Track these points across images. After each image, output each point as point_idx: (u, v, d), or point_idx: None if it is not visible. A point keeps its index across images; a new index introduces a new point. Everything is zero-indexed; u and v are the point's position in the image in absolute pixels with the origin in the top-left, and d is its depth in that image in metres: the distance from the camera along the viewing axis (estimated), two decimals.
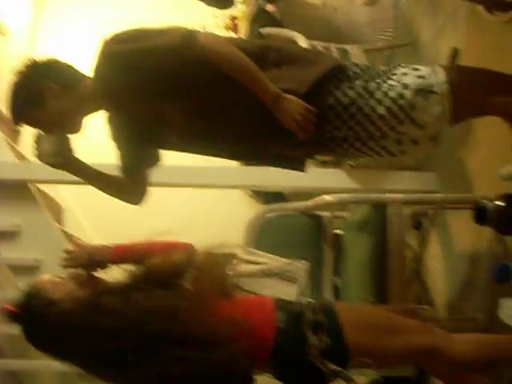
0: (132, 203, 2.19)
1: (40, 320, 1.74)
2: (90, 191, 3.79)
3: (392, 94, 1.81)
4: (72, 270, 1.91)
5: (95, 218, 4.32)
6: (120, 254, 1.91)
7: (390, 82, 1.82)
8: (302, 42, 3.24)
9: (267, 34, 3.57)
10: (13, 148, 3.57)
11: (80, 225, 4.28)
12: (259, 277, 2.54)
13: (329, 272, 2.65)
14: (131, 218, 4.28)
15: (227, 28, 4.45)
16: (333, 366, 1.59)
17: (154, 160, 2.10)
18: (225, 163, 3.60)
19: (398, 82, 1.82)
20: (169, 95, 1.82)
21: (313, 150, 2.00)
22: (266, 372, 1.81)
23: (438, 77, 1.83)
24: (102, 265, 1.91)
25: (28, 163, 3.61)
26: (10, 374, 3.39)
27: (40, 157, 1.90)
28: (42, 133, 1.91)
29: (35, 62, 1.90)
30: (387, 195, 2.55)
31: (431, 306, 2.68)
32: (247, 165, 3.70)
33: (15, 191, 3.28)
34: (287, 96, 1.77)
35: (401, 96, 1.81)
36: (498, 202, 1.31)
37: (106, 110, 1.95)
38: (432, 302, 2.69)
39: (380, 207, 2.53)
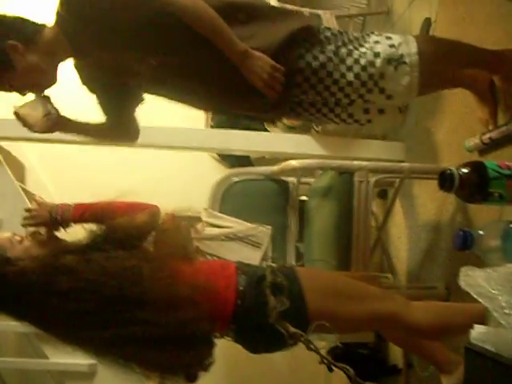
0: (127, 142, 2.19)
1: None
2: (53, 150, 3.75)
3: (362, 61, 1.80)
4: (32, 229, 1.88)
5: (58, 178, 4.24)
6: (81, 213, 1.86)
7: (361, 49, 1.81)
8: (274, 1, 3.19)
9: None
10: None
11: (42, 184, 4.20)
12: (223, 240, 2.53)
13: (293, 237, 2.65)
14: (95, 178, 4.23)
15: None
16: (292, 329, 1.59)
17: (136, 101, 2.06)
18: (192, 125, 3.59)
19: (370, 49, 1.81)
20: (133, 45, 1.77)
21: (279, 113, 1.97)
22: (227, 336, 1.81)
23: (409, 47, 1.82)
24: (63, 224, 1.88)
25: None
26: None
27: (33, 127, 1.84)
28: (19, 104, 1.84)
29: None
30: (354, 162, 2.54)
31: (393, 273, 2.71)
32: (213, 127, 3.68)
33: None
34: (255, 53, 1.74)
35: (371, 64, 1.80)
36: (462, 169, 1.31)
37: (74, 56, 1.88)
38: (394, 270, 2.71)
39: (346, 175, 2.53)
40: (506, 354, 1.11)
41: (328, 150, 3.00)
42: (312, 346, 1.51)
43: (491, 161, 1.34)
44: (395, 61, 1.81)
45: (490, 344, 1.17)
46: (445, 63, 1.94)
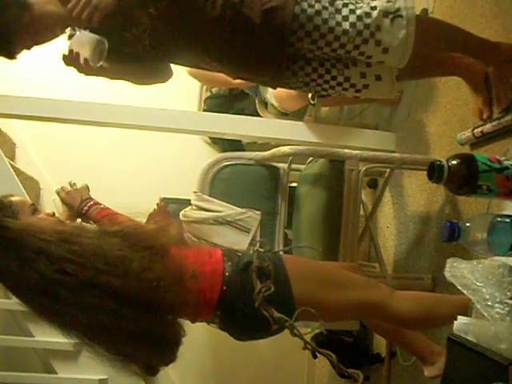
0: (163, 82, 2.18)
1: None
2: (45, 128, 3.73)
3: (358, 11, 1.80)
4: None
5: (48, 156, 4.22)
6: (102, 216, 2.02)
7: (358, 4, 1.82)
8: None
9: None
10: None
11: (32, 162, 4.18)
12: (212, 224, 2.53)
13: (281, 223, 2.65)
14: (86, 158, 4.22)
15: None
16: (277, 314, 1.59)
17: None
18: (184, 108, 3.57)
19: (367, 4, 1.81)
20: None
21: (276, 68, 1.95)
22: (212, 323, 1.81)
23: (406, 2, 1.83)
24: (84, 217, 2.05)
25: None
26: None
27: (85, 66, 1.75)
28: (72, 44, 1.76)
29: None
30: (345, 151, 2.54)
31: (380, 263, 2.71)
32: (207, 111, 3.66)
33: None
34: None
35: (367, 15, 1.80)
36: (452, 161, 1.31)
37: None
38: (381, 259, 2.72)
39: (337, 163, 2.53)
40: (488, 346, 1.12)
41: (320, 138, 3.00)
42: (296, 332, 1.51)
43: (482, 154, 1.35)
44: (391, 13, 1.81)
45: (472, 335, 1.18)
46: (440, 37, 1.94)
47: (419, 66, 2.08)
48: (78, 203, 2.14)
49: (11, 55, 1.82)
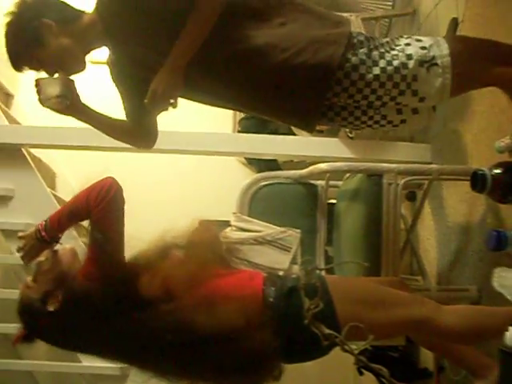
0: (142, 147, 2.17)
1: (42, 327, 1.78)
2: (82, 157, 3.80)
3: (395, 63, 1.79)
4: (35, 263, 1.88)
5: (86, 184, 4.29)
6: (57, 221, 1.85)
7: (393, 52, 1.81)
8: None
9: None
10: (5, 112, 3.53)
11: (72, 190, 4.25)
12: (252, 244, 2.54)
13: (322, 241, 2.65)
14: (124, 184, 4.27)
15: None
16: (327, 330, 1.59)
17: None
18: (219, 130, 3.61)
19: (402, 51, 1.80)
20: (172, 37, 1.78)
21: (311, 117, 1.95)
22: None
23: (440, 49, 1.81)
24: (53, 239, 1.86)
25: (22, 128, 3.58)
26: None
27: (44, 101, 1.84)
28: (45, 76, 1.85)
29: (26, 1, 1.85)
30: (382, 165, 2.53)
31: (423, 276, 2.68)
32: (242, 132, 3.69)
33: (9, 156, 3.26)
34: (178, 74, 1.77)
35: (404, 66, 1.79)
36: (494, 170, 1.30)
37: (108, 46, 1.91)
38: (424, 272, 2.69)
39: (375, 177, 2.52)
40: None
41: (356, 153, 3.00)
42: (347, 348, 1.51)
43: None
44: (427, 62, 1.80)
45: None
46: (477, 62, 1.92)
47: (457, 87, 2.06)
48: (36, 243, 1.87)
49: (16, 68, 1.89)
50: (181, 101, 2.09)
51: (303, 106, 1.85)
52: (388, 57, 1.80)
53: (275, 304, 1.74)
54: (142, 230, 4.04)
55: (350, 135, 2.92)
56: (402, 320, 1.81)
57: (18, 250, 1.88)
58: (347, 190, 2.65)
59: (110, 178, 1.84)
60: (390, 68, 1.79)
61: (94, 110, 1.99)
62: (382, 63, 1.79)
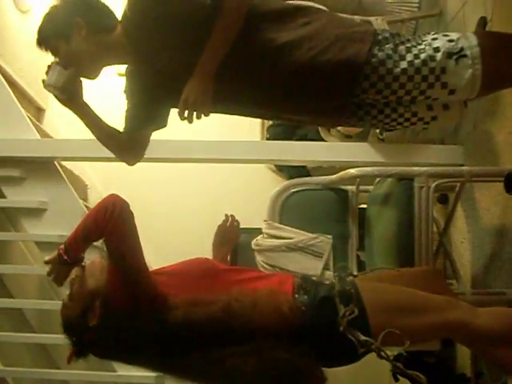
0: (126, 162, 2.17)
1: (89, 341, 1.82)
2: (113, 168, 3.85)
3: (423, 56, 1.78)
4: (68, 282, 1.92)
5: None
6: (74, 244, 1.88)
7: (420, 46, 1.80)
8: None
9: None
10: (37, 126, 3.59)
11: None
12: (284, 251, 2.54)
13: (353, 246, 2.64)
14: (154, 194, 4.32)
15: None
16: (363, 337, 1.58)
17: (161, 123, 2.08)
18: (248, 138, 3.62)
19: (429, 45, 1.79)
20: (197, 46, 1.79)
21: (341, 116, 1.94)
22: None
23: (469, 40, 1.79)
24: (75, 261, 1.89)
25: (54, 141, 3.64)
26: None
27: (47, 85, 1.90)
28: (59, 64, 1.90)
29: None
30: (413, 168, 2.51)
31: (457, 280, 2.65)
32: (269, 139, 3.69)
33: (42, 169, 3.31)
34: (209, 80, 1.79)
35: (432, 58, 1.77)
36: None
37: (130, 61, 1.94)
38: (458, 276, 2.66)
39: (405, 181, 2.50)
40: None
41: (386, 157, 2.98)
42: (383, 354, 1.50)
43: None
44: (455, 54, 1.78)
45: None
46: (506, 57, 1.90)
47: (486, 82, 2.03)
48: (61, 267, 1.89)
49: (39, 47, 1.94)
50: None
51: (332, 103, 1.85)
52: (415, 51, 1.79)
53: (307, 313, 1.73)
54: (174, 239, 4.11)
55: (381, 137, 2.89)
56: (437, 325, 1.79)
57: (48, 275, 1.91)
58: (378, 195, 2.63)
59: (112, 195, 1.86)
60: (417, 61, 1.77)
61: (92, 111, 2.01)
62: (409, 57, 1.78)
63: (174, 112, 2.05)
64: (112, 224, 1.77)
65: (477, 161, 2.88)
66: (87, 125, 2.04)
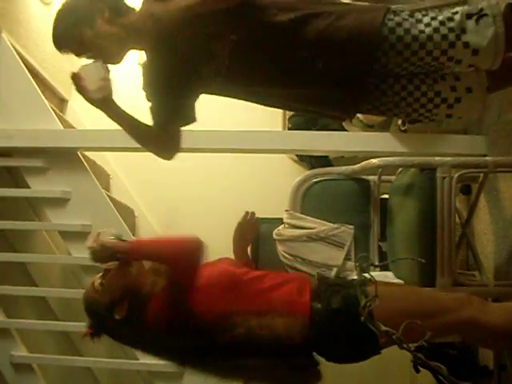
0: (163, 157, 2.15)
1: (108, 327, 1.90)
2: (135, 158, 3.88)
3: (440, 17, 1.78)
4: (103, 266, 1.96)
5: (141, 185, 4.38)
6: (135, 253, 1.92)
7: (436, 11, 1.79)
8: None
9: None
10: (60, 117, 3.63)
11: (126, 191, 4.35)
12: (305, 241, 2.54)
13: (375, 236, 2.63)
14: (176, 184, 4.33)
15: None
16: (384, 327, 1.58)
17: (189, 116, 2.07)
18: (270, 128, 3.62)
19: (447, 11, 1.79)
20: (218, 33, 1.83)
21: (362, 94, 1.93)
22: None
23: (488, 1, 1.77)
24: (123, 261, 1.92)
25: (77, 132, 3.67)
26: None
27: (83, 91, 1.87)
28: (84, 69, 1.88)
29: None
30: (435, 158, 2.49)
31: (480, 271, 2.63)
32: (290, 129, 3.68)
33: (65, 159, 3.34)
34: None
35: (449, 19, 1.77)
36: None
37: (151, 47, 1.94)
38: (481, 267, 2.64)
39: (428, 171, 2.48)
40: None
41: (408, 147, 2.96)
42: (404, 345, 1.50)
43: None
44: (475, 14, 1.77)
45: None
46: None
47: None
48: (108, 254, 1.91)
49: (58, 48, 1.94)
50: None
51: (354, 73, 1.85)
52: (432, 14, 1.79)
53: (320, 323, 1.79)
54: (197, 225, 4.08)
55: (403, 127, 2.86)
56: (450, 325, 1.80)
57: (90, 250, 1.92)
58: (400, 185, 2.62)
59: (197, 241, 1.88)
60: (434, 22, 1.77)
61: (123, 110, 2.00)
62: (426, 19, 1.79)
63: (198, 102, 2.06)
64: (188, 272, 1.82)
65: (500, 151, 2.85)
66: (119, 123, 2.03)
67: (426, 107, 1.91)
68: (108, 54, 1.92)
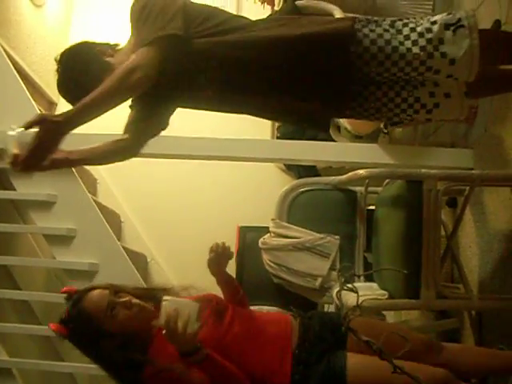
0: (120, 160, 2.16)
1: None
2: (123, 163, 3.86)
3: (419, 29, 1.82)
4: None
5: (128, 191, 4.37)
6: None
7: (417, 21, 1.83)
8: (338, 14, 3.19)
9: (303, 6, 3.52)
10: None
11: (113, 196, 4.33)
12: (291, 250, 2.54)
13: (361, 247, 2.64)
14: (163, 191, 4.33)
15: (262, 1, 4.40)
16: (364, 337, 1.59)
17: (161, 128, 2.10)
18: (258, 136, 3.62)
19: (426, 20, 1.84)
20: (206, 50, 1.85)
21: (344, 97, 1.96)
22: None
23: (466, 12, 1.83)
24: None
25: None
26: None
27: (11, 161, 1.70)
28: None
29: (74, 44, 1.95)
30: (422, 171, 2.50)
31: (464, 284, 2.64)
32: (279, 138, 3.69)
33: None
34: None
35: (428, 30, 1.82)
36: None
37: None
38: (465, 280, 2.65)
39: (414, 183, 2.49)
40: None
41: (395, 159, 2.97)
42: (385, 356, 1.50)
43: None
44: (453, 25, 1.81)
45: None
46: (505, 41, 1.92)
47: (494, 81, 2.05)
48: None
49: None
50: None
51: (334, 81, 1.88)
52: (412, 24, 1.83)
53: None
54: (182, 235, 4.09)
55: (385, 131, 2.87)
56: None
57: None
58: (386, 196, 2.63)
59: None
60: (413, 34, 1.82)
61: (78, 151, 2.00)
62: (406, 31, 1.83)
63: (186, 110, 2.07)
64: None
65: (487, 165, 2.87)
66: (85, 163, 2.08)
67: (407, 112, 1.97)
68: None
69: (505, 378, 2.35)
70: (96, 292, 1.90)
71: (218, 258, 2.01)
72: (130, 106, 2.05)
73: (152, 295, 1.97)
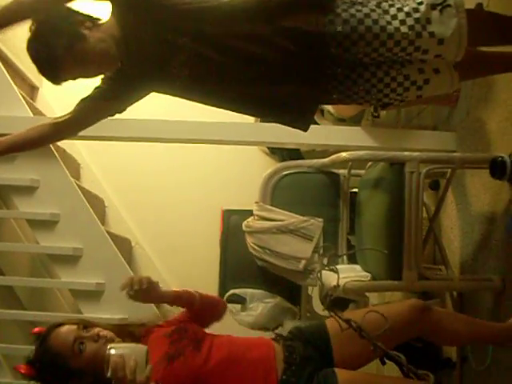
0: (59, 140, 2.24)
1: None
2: (105, 147, 3.85)
3: (406, 9, 1.81)
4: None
5: (111, 175, 4.35)
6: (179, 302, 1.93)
7: (402, 2, 1.83)
8: None
9: None
10: (30, 105, 3.58)
11: (96, 181, 4.31)
12: (274, 233, 2.55)
13: (344, 230, 2.65)
14: (146, 174, 4.32)
15: None
16: (345, 316, 1.61)
17: (117, 112, 2.08)
18: (240, 119, 3.62)
19: (412, 0, 1.82)
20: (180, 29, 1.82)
21: (326, 90, 1.95)
22: None
23: None
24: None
25: (46, 119, 3.62)
26: None
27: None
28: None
29: (54, 8, 1.87)
30: (404, 153, 2.52)
31: (446, 266, 2.67)
32: (262, 121, 3.69)
33: None
34: None
35: (415, 10, 1.81)
36: None
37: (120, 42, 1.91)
38: (447, 262, 2.67)
39: (397, 166, 2.51)
40: None
41: (378, 142, 2.99)
42: (364, 334, 1.52)
43: None
44: (439, 5, 1.81)
45: None
46: (496, 28, 1.92)
47: (477, 64, 2.05)
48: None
49: (56, 80, 1.90)
50: None
51: (319, 63, 1.87)
52: (398, 4, 1.83)
53: None
54: (166, 219, 4.07)
55: (375, 114, 2.87)
56: None
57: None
58: (369, 179, 2.64)
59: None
60: (401, 14, 1.81)
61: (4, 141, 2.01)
62: (393, 11, 1.82)
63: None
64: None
65: (469, 148, 2.89)
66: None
67: (397, 91, 1.95)
68: (109, 58, 1.89)
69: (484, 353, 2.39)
70: (63, 328, 1.83)
71: (142, 294, 1.86)
72: (97, 87, 2.01)
73: (127, 331, 1.89)
